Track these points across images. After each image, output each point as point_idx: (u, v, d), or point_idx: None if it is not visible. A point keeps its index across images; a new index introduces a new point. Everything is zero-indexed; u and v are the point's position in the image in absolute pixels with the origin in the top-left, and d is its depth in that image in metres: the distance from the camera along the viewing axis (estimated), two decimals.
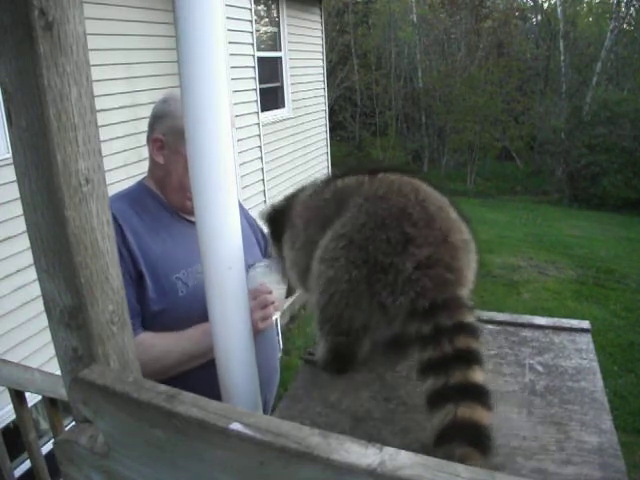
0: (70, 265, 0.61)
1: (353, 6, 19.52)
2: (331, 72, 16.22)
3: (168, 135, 1.28)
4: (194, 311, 1.23)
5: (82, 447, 0.61)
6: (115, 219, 1.21)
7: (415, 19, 18.36)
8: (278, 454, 0.49)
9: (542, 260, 8.43)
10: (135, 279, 1.22)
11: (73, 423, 0.65)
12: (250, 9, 5.50)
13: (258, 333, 1.14)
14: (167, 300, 1.23)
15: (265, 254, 1.47)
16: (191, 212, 1.35)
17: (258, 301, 1.16)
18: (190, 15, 0.69)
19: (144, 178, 1.39)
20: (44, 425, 3.51)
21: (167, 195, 1.34)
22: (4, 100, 0.59)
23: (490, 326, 1.04)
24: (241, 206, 1.44)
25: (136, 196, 1.33)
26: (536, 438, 0.73)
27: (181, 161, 1.26)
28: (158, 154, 1.31)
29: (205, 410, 0.54)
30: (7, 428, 3.09)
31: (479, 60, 17.01)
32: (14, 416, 2.25)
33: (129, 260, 1.21)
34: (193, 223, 1.32)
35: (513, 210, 12.63)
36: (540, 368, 0.89)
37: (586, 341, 0.98)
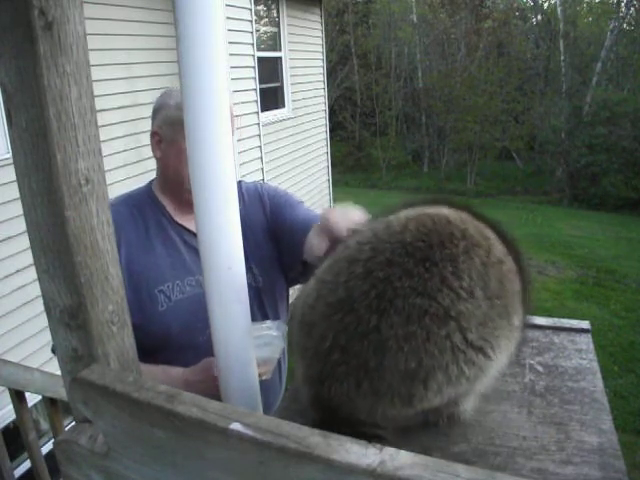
0: (70, 265, 0.61)
1: (353, 6, 19.53)
2: (331, 72, 16.23)
3: (163, 126, 1.25)
4: (173, 327, 1.20)
5: (82, 447, 0.61)
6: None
7: (415, 19, 18.36)
8: (278, 454, 0.49)
9: (542, 260, 8.42)
10: None
11: (73, 423, 0.65)
12: (250, 9, 5.50)
13: None
14: (143, 314, 1.17)
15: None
16: (191, 208, 1.32)
17: None
18: (190, 15, 0.69)
19: (153, 180, 1.36)
20: (44, 425, 3.51)
21: (168, 194, 1.30)
22: (4, 100, 0.59)
23: None
24: (242, 191, 1.35)
25: (139, 200, 1.30)
26: (536, 438, 0.73)
27: (176, 150, 1.23)
28: (157, 148, 1.28)
29: (205, 410, 0.54)
30: (7, 428, 3.09)
31: (479, 60, 17.00)
32: (14, 416, 2.25)
33: None
34: (191, 232, 1.26)
35: (513, 210, 12.61)
36: (540, 368, 0.89)
37: (586, 341, 0.98)
